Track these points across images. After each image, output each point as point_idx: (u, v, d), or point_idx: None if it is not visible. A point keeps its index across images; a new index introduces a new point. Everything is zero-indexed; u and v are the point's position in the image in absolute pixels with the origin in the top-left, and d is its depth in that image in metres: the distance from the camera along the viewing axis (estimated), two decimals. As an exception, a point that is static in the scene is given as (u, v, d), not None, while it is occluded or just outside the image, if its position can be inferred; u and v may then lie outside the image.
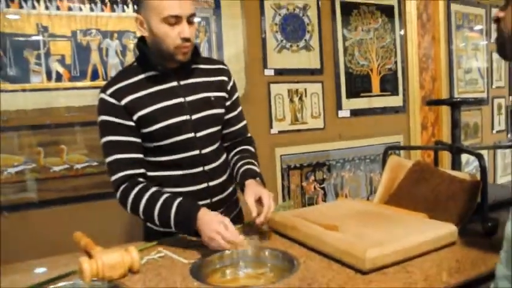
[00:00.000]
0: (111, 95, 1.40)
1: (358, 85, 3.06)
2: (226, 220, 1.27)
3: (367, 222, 1.29)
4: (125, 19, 2.37)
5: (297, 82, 2.86)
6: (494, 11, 0.98)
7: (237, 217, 1.65)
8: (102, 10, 2.31)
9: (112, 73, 2.31)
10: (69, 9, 2.24)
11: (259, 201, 1.38)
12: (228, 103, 1.57)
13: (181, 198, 1.35)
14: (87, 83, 2.29)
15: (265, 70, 2.77)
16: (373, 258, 1.05)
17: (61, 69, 2.23)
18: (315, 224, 1.28)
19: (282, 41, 2.80)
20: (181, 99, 1.44)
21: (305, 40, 2.87)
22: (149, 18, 1.38)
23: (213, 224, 1.25)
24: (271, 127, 2.81)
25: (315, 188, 2.98)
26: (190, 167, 1.47)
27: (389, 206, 1.48)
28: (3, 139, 2.12)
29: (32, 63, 2.17)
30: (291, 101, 2.86)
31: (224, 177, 1.57)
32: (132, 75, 1.44)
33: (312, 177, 2.96)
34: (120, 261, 1.13)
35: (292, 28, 2.83)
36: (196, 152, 1.47)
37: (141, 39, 1.47)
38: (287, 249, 1.27)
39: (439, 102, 2.21)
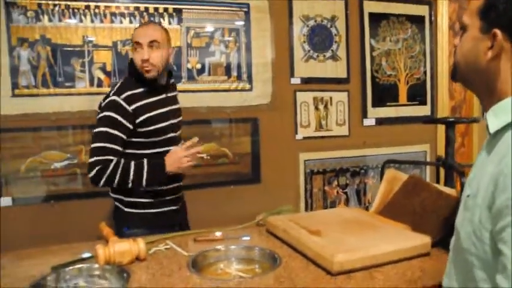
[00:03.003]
0: (124, 99, 1.75)
1: (384, 94, 3.13)
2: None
3: (349, 230, 1.42)
4: (161, 30, 2.60)
5: (323, 91, 2.97)
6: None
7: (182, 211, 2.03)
8: (141, 22, 2.54)
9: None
10: (111, 21, 2.50)
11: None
12: None
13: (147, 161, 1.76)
14: (125, 88, 2.53)
15: (292, 79, 2.91)
16: (341, 262, 1.18)
17: (102, 76, 2.49)
18: (302, 228, 1.43)
19: (309, 51, 2.93)
20: (169, 108, 1.88)
21: (332, 50, 2.98)
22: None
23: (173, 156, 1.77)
24: (296, 133, 2.95)
25: (337, 192, 3.09)
26: None
27: (379, 216, 1.59)
28: (51, 137, 2.42)
29: (78, 70, 2.45)
30: (316, 108, 2.98)
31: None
32: (137, 87, 1.81)
33: (335, 182, 3.08)
34: (128, 250, 1.34)
35: (320, 39, 2.95)
36: (175, 146, 1.86)
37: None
38: (277, 249, 1.43)
39: (434, 121, 2.27)
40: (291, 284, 1.17)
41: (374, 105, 3.11)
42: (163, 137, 1.84)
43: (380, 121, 3.13)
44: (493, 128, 0.88)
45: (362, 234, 1.37)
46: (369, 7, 3.05)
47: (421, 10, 3.20)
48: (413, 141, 3.23)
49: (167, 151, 1.82)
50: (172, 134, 1.88)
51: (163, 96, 1.88)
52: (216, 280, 1.23)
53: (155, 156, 1.81)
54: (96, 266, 1.30)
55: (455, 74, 1.00)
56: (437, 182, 1.77)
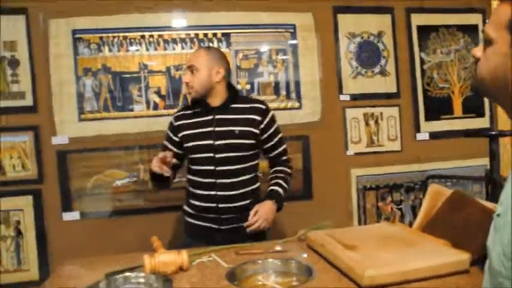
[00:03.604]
0: (174, 118, 2.06)
1: (437, 108, 3.05)
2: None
3: (385, 245, 1.42)
4: (211, 55, 2.74)
5: (373, 106, 2.97)
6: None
7: (236, 230, 1.95)
8: (191, 48, 2.70)
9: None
10: (165, 48, 2.68)
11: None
12: (264, 136, 1.98)
13: None
14: (179, 110, 2.69)
15: (341, 96, 2.93)
16: (371, 276, 1.20)
17: (157, 99, 2.67)
18: (339, 243, 1.45)
19: (357, 67, 2.95)
20: (212, 128, 1.93)
21: (380, 66, 2.98)
22: None
23: None
24: (346, 149, 2.95)
25: (391, 208, 3.03)
26: (205, 178, 1.94)
27: (421, 232, 1.58)
28: (113, 157, 2.62)
29: (135, 95, 2.64)
30: (367, 124, 2.97)
31: (236, 192, 1.94)
32: (188, 109, 2.03)
33: (389, 198, 3.03)
34: (173, 261, 1.45)
35: (367, 55, 2.96)
36: (212, 167, 1.92)
37: None
38: (314, 263, 1.46)
39: (476, 134, 2.18)
40: (322, 297, 1.20)
41: (427, 119, 3.04)
42: (199, 156, 1.94)
43: (434, 135, 3.05)
44: None
45: (398, 250, 1.37)
46: (417, 20, 3.02)
47: (474, 19, 3.10)
48: (471, 154, 3.09)
49: (205, 170, 1.94)
50: (210, 154, 1.92)
51: (211, 117, 1.94)
52: (250, 291, 1.29)
53: (197, 172, 1.97)
54: (143, 274, 1.41)
55: (479, 90, 0.93)
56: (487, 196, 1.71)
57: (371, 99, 2.98)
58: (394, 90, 3.00)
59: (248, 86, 2.80)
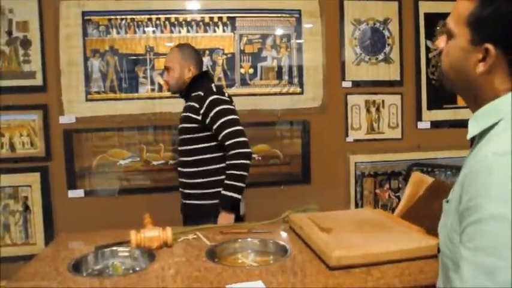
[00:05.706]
0: None
1: (441, 97, 3.04)
2: None
3: (360, 229, 1.48)
4: (215, 38, 2.79)
5: (375, 93, 2.98)
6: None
7: (194, 207, 2.14)
8: (197, 32, 2.76)
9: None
10: (171, 32, 2.74)
11: None
12: (206, 121, 2.06)
13: None
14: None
15: (343, 82, 2.95)
16: (338, 257, 1.26)
17: (162, 81, 2.74)
18: (316, 225, 1.51)
19: (360, 54, 2.96)
20: (182, 114, 2.19)
21: (384, 53, 2.98)
22: None
23: None
24: (346, 135, 2.99)
25: (389, 196, 3.07)
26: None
27: (399, 219, 1.62)
28: (116, 137, 2.72)
29: (141, 77, 2.72)
30: (368, 111, 2.99)
31: (187, 169, 2.14)
32: None
33: (387, 185, 3.06)
34: (157, 237, 1.53)
35: (372, 42, 2.96)
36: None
37: None
38: (292, 243, 1.53)
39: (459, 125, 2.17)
40: (292, 273, 1.27)
41: (429, 107, 3.04)
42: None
43: (436, 124, 3.05)
44: (469, 134, 0.87)
45: (370, 234, 1.42)
46: (425, 7, 3.00)
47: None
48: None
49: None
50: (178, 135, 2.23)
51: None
52: (225, 267, 1.37)
53: None
54: (129, 248, 1.50)
55: (443, 82, 0.97)
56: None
57: (373, 86, 2.99)
58: (397, 78, 3.01)
59: (251, 70, 2.85)
